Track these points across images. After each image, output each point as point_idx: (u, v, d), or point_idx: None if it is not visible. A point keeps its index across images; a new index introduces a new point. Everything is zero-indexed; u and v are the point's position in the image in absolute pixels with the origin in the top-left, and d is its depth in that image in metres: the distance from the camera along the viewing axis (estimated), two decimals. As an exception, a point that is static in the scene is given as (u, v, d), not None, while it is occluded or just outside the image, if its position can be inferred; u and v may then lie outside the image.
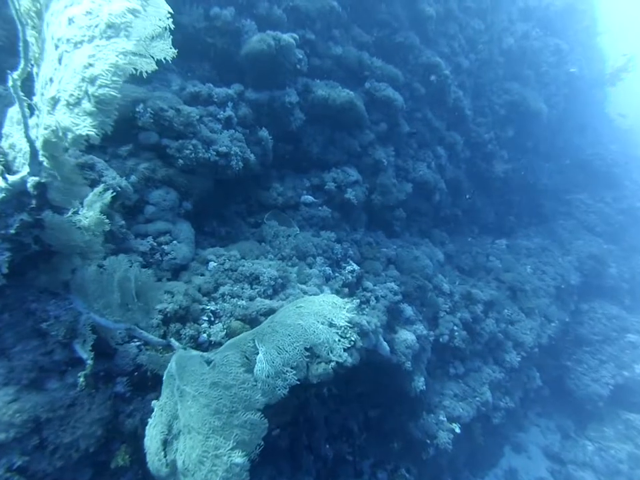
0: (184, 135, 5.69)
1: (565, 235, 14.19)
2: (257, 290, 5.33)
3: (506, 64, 13.79)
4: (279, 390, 2.63)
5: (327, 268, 7.15)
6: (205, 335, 4.44)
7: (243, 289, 5.26)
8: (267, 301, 5.12)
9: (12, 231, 3.09)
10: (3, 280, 3.26)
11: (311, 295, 5.82)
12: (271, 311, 5.03)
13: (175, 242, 5.44)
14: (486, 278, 11.58)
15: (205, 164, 5.87)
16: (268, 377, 2.67)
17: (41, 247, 3.29)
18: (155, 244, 5.22)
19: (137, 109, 5.29)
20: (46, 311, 3.50)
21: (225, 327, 4.66)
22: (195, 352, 3.53)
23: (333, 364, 5.24)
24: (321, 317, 3.20)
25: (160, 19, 3.66)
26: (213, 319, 4.81)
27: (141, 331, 3.47)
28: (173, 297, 4.54)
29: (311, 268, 6.83)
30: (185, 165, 5.65)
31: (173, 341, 3.55)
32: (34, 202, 3.10)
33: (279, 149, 7.87)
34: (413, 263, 9.03)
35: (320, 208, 7.97)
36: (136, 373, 3.66)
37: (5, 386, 3.29)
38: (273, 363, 2.75)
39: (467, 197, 12.34)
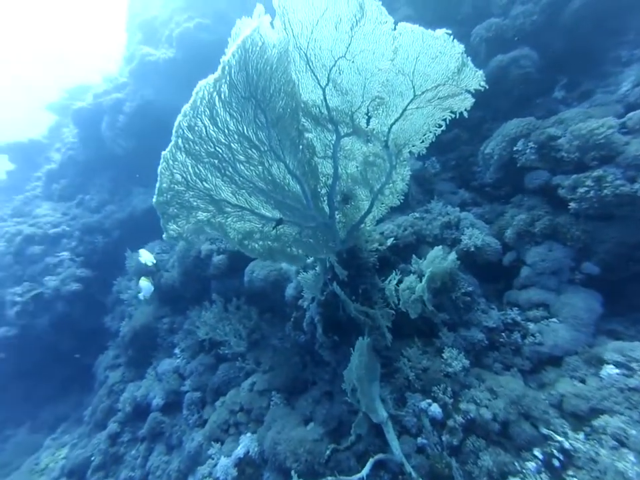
0: (583, 165, 3.87)
1: None
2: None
3: None
4: None
5: None
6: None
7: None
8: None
9: (322, 298, 3.62)
10: (324, 338, 3.85)
11: None
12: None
13: (552, 320, 3.78)
14: None
15: (628, 202, 3.63)
16: None
17: (346, 314, 3.56)
18: (520, 319, 3.91)
19: (515, 148, 4.29)
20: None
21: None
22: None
23: None
24: None
25: (453, 47, 2.98)
26: (557, 460, 2.85)
27: (393, 439, 2.80)
28: (494, 398, 3.21)
29: None
30: (580, 209, 3.82)
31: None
32: (330, 275, 3.47)
33: None
34: None
35: None
36: None
37: (321, 425, 3.82)
38: None
39: None
